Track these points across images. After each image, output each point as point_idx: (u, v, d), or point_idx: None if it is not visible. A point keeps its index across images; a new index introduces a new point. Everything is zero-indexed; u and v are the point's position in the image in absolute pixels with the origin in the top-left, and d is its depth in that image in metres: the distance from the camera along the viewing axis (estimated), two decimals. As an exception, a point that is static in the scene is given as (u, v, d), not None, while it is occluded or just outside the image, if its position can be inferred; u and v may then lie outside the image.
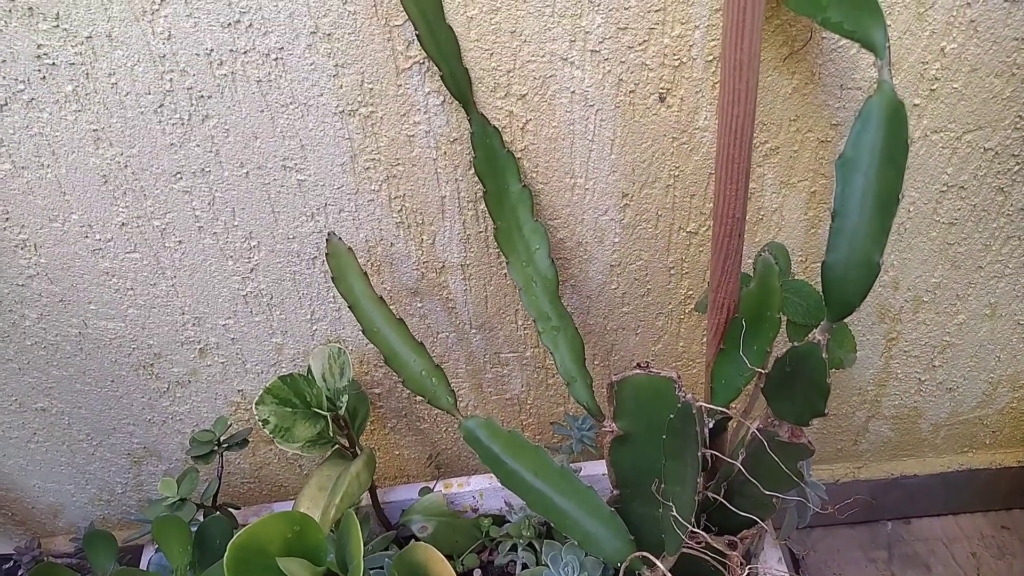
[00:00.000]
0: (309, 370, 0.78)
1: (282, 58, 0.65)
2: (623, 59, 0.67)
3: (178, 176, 0.72)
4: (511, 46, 0.66)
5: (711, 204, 0.76)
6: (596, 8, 0.64)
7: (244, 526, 0.57)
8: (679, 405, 0.56)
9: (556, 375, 0.93)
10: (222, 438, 0.81)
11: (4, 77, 0.64)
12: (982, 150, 0.75)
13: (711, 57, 0.67)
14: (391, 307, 0.74)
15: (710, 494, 0.69)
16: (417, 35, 0.62)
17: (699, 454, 0.57)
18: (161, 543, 0.71)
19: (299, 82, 0.67)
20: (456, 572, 0.66)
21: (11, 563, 0.96)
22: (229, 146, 0.70)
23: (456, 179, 0.75)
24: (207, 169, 0.72)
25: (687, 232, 0.80)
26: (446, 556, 0.66)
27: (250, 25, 0.63)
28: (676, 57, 0.67)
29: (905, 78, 0.70)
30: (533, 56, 0.67)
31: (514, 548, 0.85)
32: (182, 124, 0.69)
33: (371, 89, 0.68)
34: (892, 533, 1.13)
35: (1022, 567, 1.07)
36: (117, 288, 0.79)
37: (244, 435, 0.82)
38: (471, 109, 0.68)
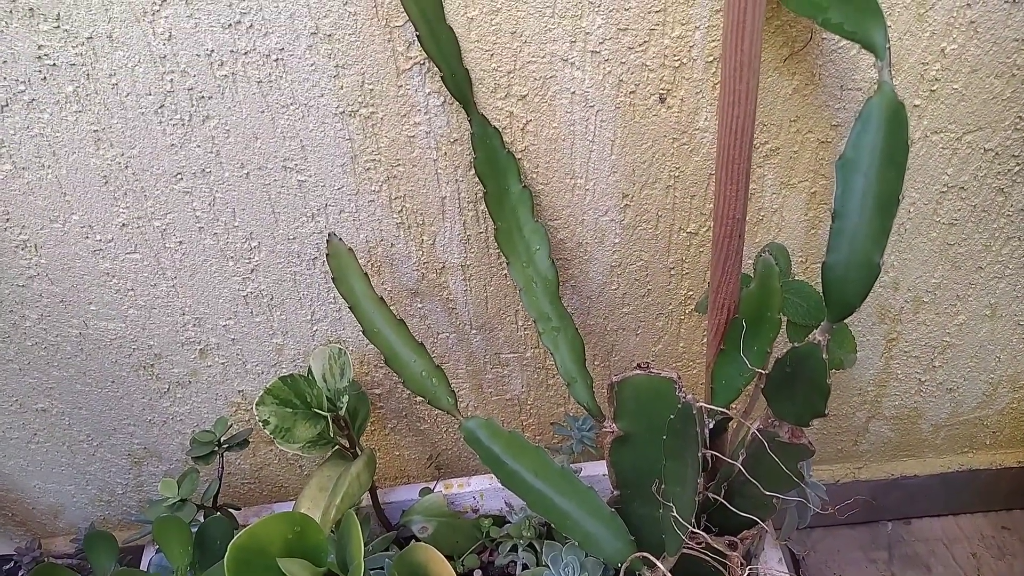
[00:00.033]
0: (309, 371, 0.78)
1: (283, 59, 0.65)
2: (623, 60, 0.67)
3: (179, 177, 0.72)
4: (512, 47, 0.66)
5: (711, 205, 0.76)
6: (596, 9, 0.64)
7: (245, 527, 0.57)
8: (679, 406, 0.56)
9: (556, 376, 0.93)
10: (222, 439, 0.81)
11: (5, 78, 0.64)
12: (982, 151, 0.75)
13: (711, 58, 0.67)
14: (391, 308, 0.74)
15: (710, 495, 0.69)
16: (418, 36, 0.62)
17: (699, 455, 0.57)
18: (162, 544, 0.71)
19: (300, 83, 0.67)
20: (456, 573, 0.66)
21: (11, 564, 0.96)
22: (230, 147, 0.70)
23: (456, 180, 0.75)
24: (208, 170, 0.72)
25: (687, 233, 0.80)
26: (446, 557, 0.66)
27: (251, 26, 0.63)
28: (676, 58, 0.67)
29: (905, 79, 0.70)
30: (533, 57, 0.67)
31: (514, 549, 0.85)
32: (183, 125, 0.69)
33: (372, 90, 0.68)
34: (892, 533, 1.12)
35: (1022, 568, 1.07)
36: (118, 289, 0.79)
37: (244, 436, 0.82)
38: (471, 110, 0.68)
